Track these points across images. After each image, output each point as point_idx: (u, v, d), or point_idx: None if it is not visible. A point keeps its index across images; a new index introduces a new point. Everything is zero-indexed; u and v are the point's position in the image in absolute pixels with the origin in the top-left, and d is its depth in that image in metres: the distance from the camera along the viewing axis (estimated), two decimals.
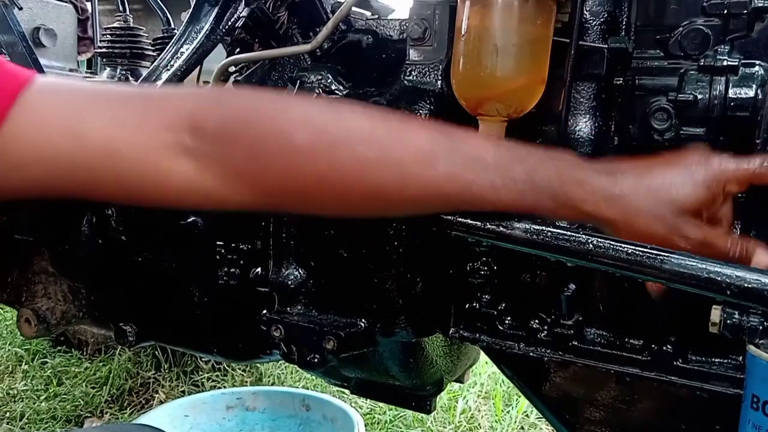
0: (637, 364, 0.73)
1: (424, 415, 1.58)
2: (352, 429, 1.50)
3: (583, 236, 0.58)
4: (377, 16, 1.02)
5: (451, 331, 0.83)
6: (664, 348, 0.71)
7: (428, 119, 0.76)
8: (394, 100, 0.79)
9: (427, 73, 0.78)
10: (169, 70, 0.97)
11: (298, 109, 0.60)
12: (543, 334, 0.77)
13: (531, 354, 0.78)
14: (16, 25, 1.25)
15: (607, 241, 0.57)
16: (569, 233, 0.58)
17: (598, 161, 0.62)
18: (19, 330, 1.09)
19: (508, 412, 1.91)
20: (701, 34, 0.67)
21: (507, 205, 0.59)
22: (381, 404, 1.86)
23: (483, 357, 1.11)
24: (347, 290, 0.81)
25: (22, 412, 1.86)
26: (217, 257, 0.93)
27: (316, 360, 0.81)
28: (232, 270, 0.93)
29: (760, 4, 0.66)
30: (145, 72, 1.26)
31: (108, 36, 1.51)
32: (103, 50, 1.51)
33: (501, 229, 0.60)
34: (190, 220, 0.93)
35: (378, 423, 1.85)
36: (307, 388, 1.95)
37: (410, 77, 0.79)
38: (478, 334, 0.81)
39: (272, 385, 2.04)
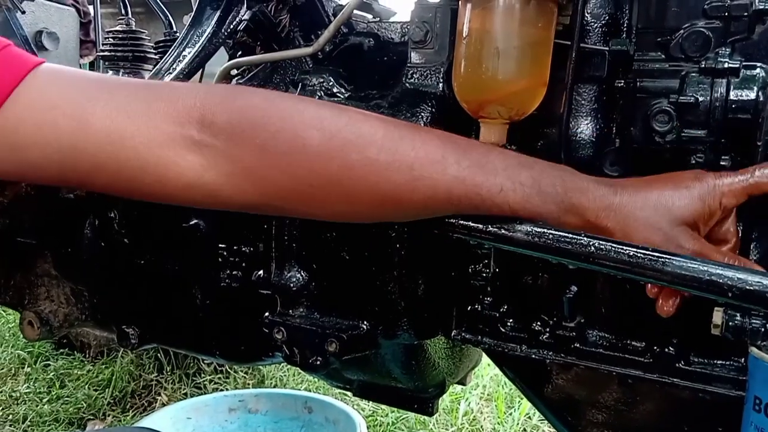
0: (639, 366, 0.73)
1: (426, 417, 1.58)
2: (354, 431, 1.50)
3: (585, 238, 0.58)
4: (379, 19, 1.02)
5: (453, 334, 0.83)
6: (667, 350, 0.71)
7: (430, 122, 0.76)
8: (396, 103, 0.79)
9: (429, 75, 0.78)
10: (171, 73, 0.97)
11: (311, 111, 0.59)
12: (545, 336, 0.77)
13: (533, 356, 0.78)
14: (19, 29, 1.26)
15: (609, 244, 0.57)
16: (571, 235, 0.59)
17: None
18: (22, 333, 1.09)
19: (510, 414, 1.91)
20: (702, 37, 0.67)
21: (513, 209, 0.59)
22: (383, 406, 1.86)
23: (485, 359, 1.11)
24: (349, 293, 0.81)
25: (25, 415, 1.87)
26: (220, 260, 0.93)
27: (318, 362, 0.81)
28: (234, 272, 0.93)
29: (761, 7, 0.66)
30: (147, 75, 1.27)
31: (110, 39, 1.51)
32: (106, 53, 1.51)
33: (503, 231, 0.61)
34: (192, 222, 0.93)
35: (380, 425, 1.85)
36: (310, 391, 1.95)
37: (412, 80, 0.79)
38: (480, 336, 0.81)
39: (274, 387, 2.04)
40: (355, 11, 0.91)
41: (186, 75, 0.97)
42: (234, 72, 0.98)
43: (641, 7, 0.71)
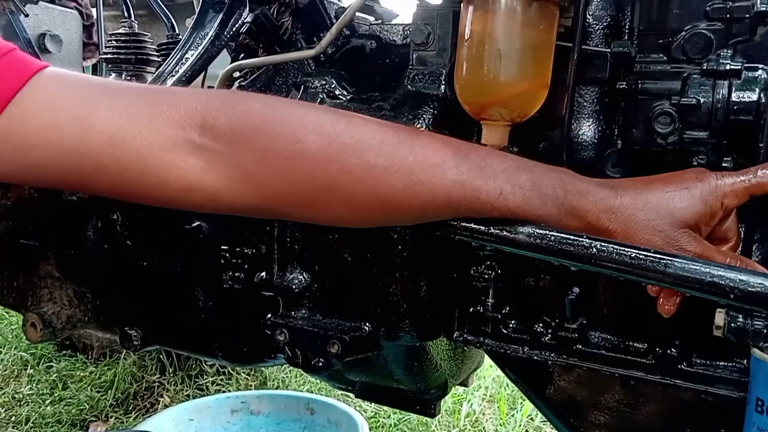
0: (641, 368, 0.73)
1: (428, 418, 1.58)
2: None
3: (587, 240, 0.58)
4: (381, 21, 1.02)
5: (455, 335, 0.83)
6: (669, 351, 0.71)
7: (432, 124, 0.77)
8: (398, 105, 0.79)
9: (431, 78, 0.78)
10: (174, 75, 0.97)
11: (310, 115, 0.60)
12: (547, 338, 0.77)
13: (535, 357, 0.78)
14: (22, 32, 1.26)
15: (611, 245, 0.57)
16: (573, 237, 0.59)
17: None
18: (25, 334, 1.10)
19: (512, 415, 1.91)
20: (704, 38, 0.67)
21: (513, 212, 0.59)
22: (385, 408, 1.86)
23: (487, 360, 1.11)
24: (351, 294, 0.81)
25: (28, 416, 1.87)
26: (222, 261, 0.93)
27: (320, 364, 0.81)
28: (236, 274, 0.93)
29: (763, 8, 0.66)
30: (149, 78, 1.27)
31: (113, 42, 1.52)
32: (108, 56, 1.52)
33: (505, 233, 0.61)
34: (194, 224, 0.93)
35: (382, 427, 1.85)
36: (312, 392, 1.95)
37: (413, 82, 0.79)
38: (482, 338, 0.81)
39: (277, 388, 2.04)
40: (357, 13, 0.91)
41: (189, 77, 0.97)
42: (236, 74, 0.98)
43: (643, 9, 0.71)
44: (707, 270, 0.54)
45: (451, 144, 0.62)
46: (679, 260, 0.55)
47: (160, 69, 1.01)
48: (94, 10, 2.00)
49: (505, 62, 0.68)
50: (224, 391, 1.99)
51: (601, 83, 0.73)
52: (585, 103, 0.73)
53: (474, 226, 0.62)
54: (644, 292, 0.64)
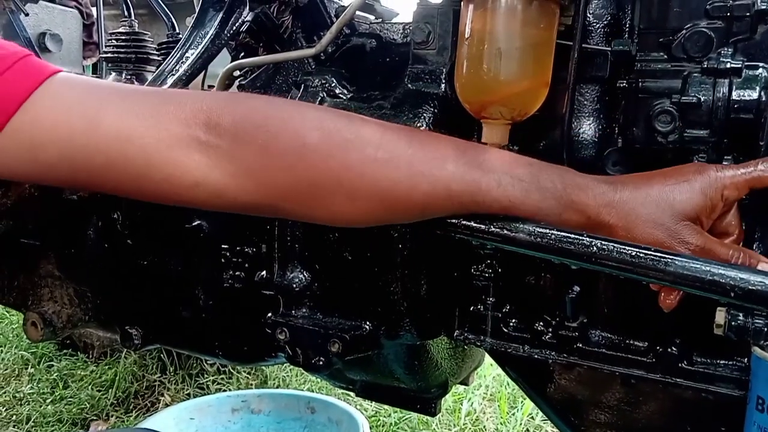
0: (641, 366, 0.73)
1: (429, 417, 1.58)
2: None
3: (587, 238, 0.58)
4: (381, 20, 1.02)
5: (455, 334, 0.83)
6: (669, 350, 0.71)
7: (432, 123, 0.77)
8: (398, 104, 0.79)
9: (431, 76, 0.78)
10: (174, 74, 0.97)
11: (311, 113, 0.62)
12: (547, 337, 0.77)
13: (536, 356, 0.78)
14: (22, 31, 1.26)
15: (612, 244, 0.57)
16: (573, 235, 0.59)
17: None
18: (26, 333, 1.10)
19: (513, 414, 1.91)
20: (704, 37, 0.67)
21: (513, 204, 0.60)
22: (386, 407, 1.86)
23: (488, 359, 1.11)
24: (352, 293, 0.81)
25: (29, 415, 1.87)
26: (222, 260, 0.93)
27: (321, 363, 0.81)
28: (237, 273, 0.93)
29: (764, 7, 0.66)
30: (150, 77, 1.27)
31: (113, 41, 1.52)
32: (109, 55, 1.52)
33: (505, 231, 0.61)
34: (195, 223, 0.94)
35: (383, 425, 1.85)
36: (312, 391, 1.95)
37: (414, 81, 0.79)
38: (482, 337, 0.81)
39: (277, 387, 2.04)
40: (358, 12, 0.91)
41: (189, 76, 0.98)
42: (237, 73, 0.98)
43: (643, 8, 0.71)
44: (708, 268, 0.54)
45: (450, 140, 0.63)
46: (680, 259, 0.55)
47: (161, 68, 1.01)
48: (94, 9, 2.00)
49: (506, 61, 0.68)
50: (225, 390, 1.99)
51: (601, 82, 0.73)
52: (585, 102, 0.73)
53: (474, 224, 0.62)
54: (644, 290, 0.64)
